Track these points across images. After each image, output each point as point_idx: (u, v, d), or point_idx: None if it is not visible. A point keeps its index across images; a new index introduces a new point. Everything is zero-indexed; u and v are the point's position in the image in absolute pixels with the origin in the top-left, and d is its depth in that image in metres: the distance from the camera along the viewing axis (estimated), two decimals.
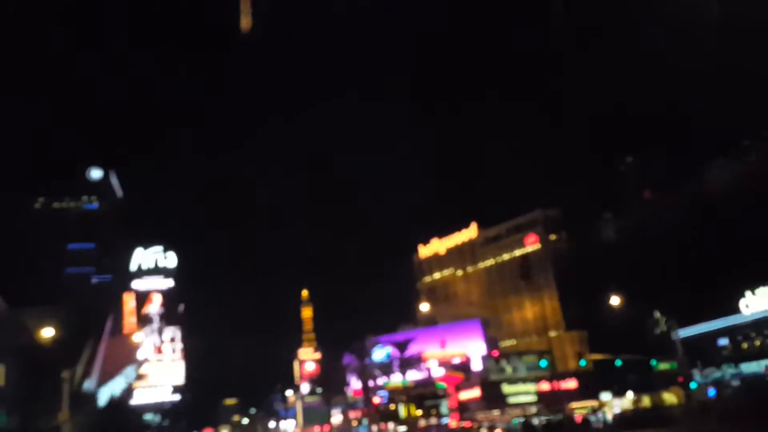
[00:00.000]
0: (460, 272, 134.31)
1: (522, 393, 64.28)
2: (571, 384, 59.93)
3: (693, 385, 35.41)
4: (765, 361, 36.66)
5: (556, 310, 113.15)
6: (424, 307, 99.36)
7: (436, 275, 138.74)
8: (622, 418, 40.34)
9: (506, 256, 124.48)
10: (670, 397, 44.53)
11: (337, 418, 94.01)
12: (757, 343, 40.78)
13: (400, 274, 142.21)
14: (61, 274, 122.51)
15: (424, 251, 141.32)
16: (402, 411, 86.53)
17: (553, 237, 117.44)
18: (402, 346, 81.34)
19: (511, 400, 64.03)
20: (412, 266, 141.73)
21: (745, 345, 42.82)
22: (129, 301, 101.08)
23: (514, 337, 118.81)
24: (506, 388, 64.38)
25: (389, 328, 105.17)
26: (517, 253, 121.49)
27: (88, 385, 43.35)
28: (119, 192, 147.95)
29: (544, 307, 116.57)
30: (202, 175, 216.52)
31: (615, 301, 37.71)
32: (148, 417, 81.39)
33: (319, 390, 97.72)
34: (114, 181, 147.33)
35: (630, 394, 47.22)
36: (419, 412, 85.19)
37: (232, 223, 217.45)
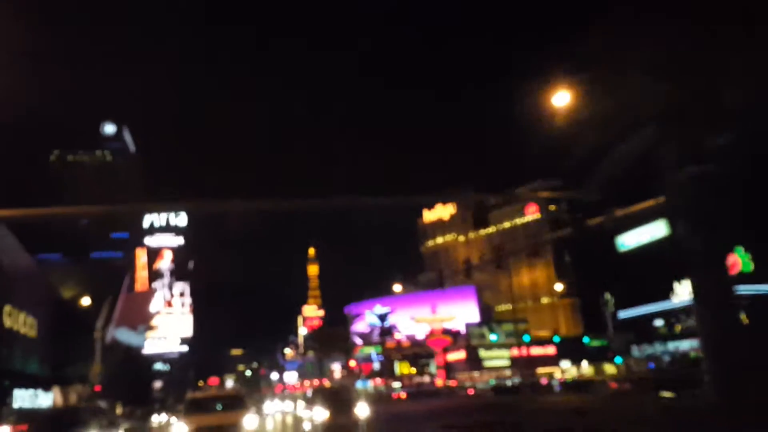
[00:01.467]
0: (462, 238, 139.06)
1: (497, 358, 70.28)
2: (549, 350, 65.38)
3: (618, 360, 40.08)
4: (693, 340, 41.41)
5: (551, 278, 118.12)
6: (424, 276, 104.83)
7: (439, 240, 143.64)
8: (564, 383, 46.99)
9: (507, 224, 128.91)
10: (610, 368, 49.83)
11: (336, 372, 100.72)
12: (686, 324, 45.59)
13: (405, 237, 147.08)
14: (81, 226, 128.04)
15: (429, 216, 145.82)
16: (397, 368, 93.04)
17: (552, 207, 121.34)
18: (382, 318, 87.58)
19: (487, 364, 69.98)
20: (416, 230, 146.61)
21: (678, 327, 47.75)
22: (141, 257, 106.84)
23: (510, 302, 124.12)
24: (482, 353, 70.31)
25: (390, 291, 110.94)
26: (518, 221, 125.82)
27: (108, 337, 48.91)
28: (132, 147, 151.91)
29: (540, 274, 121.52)
30: (214, 132, 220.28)
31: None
32: (158, 366, 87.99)
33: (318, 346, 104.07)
34: (127, 136, 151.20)
35: (585, 364, 52.50)
36: (413, 370, 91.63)
37: (242, 182, 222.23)
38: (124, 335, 54.25)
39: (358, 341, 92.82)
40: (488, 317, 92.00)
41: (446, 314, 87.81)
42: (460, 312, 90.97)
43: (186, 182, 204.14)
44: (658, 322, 48.08)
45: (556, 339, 62.00)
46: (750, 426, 12.87)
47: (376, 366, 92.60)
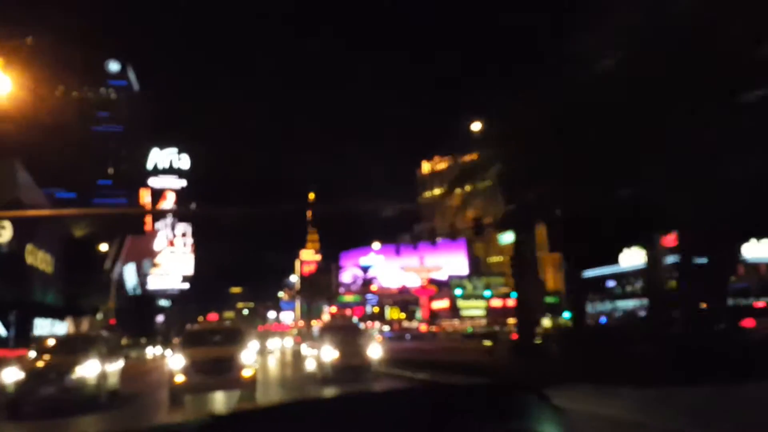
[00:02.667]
0: (458, 189, 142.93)
1: (474, 308, 75.97)
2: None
3: (567, 315, 44.57)
4: (640, 300, 46.41)
5: (542, 232, 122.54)
6: (419, 226, 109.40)
7: (437, 191, 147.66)
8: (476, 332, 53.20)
9: None
10: (565, 322, 54.81)
11: (326, 315, 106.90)
12: (636, 286, 50.67)
13: (404, 187, 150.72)
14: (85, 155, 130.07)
15: (427, 167, 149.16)
16: (388, 313, 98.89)
17: None
18: (365, 269, 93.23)
19: (465, 313, 75.67)
20: (415, 180, 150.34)
21: (628, 287, 52.75)
22: (145, 196, 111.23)
23: (500, 254, 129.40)
24: (460, 303, 75.92)
25: (391, 239, 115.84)
26: None
27: (116, 274, 53.60)
28: (136, 86, 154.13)
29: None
30: (218, 75, 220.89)
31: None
32: (161, 302, 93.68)
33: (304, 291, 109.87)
34: (131, 75, 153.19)
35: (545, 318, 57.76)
36: (403, 315, 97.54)
37: (245, 128, 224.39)
38: (131, 273, 58.99)
39: (342, 289, 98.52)
40: (477, 269, 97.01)
41: (433, 265, 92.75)
42: (450, 263, 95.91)
43: (189, 122, 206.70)
44: (611, 283, 53.00)
45: (513, 294, 66.90)
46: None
47: (369, 309, 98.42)
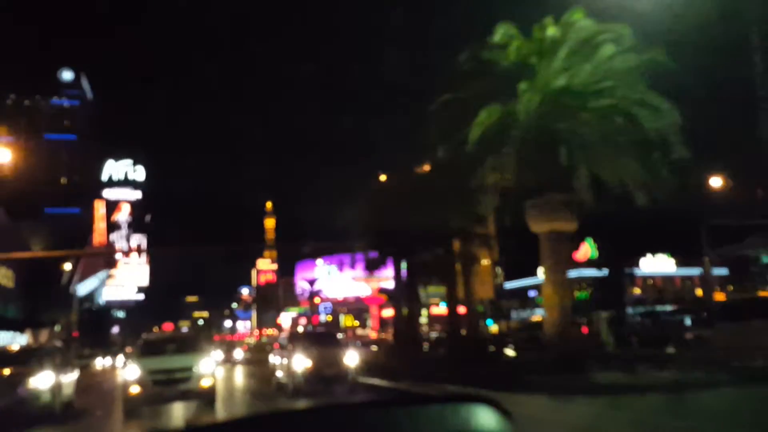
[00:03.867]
0: None
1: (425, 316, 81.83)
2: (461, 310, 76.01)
3: (489, 322, 49.32)
4: None
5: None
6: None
7: None
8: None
9: None
10: (494, 328, 60.39)
11: (286, 323, 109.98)
12: None
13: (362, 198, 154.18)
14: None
15: (383, 177, 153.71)
16: (342, 321, 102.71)
17: None
18: (311, 282, 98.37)
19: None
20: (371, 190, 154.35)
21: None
22: (99, 208, 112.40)
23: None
24: (405, 311, 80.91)
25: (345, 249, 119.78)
26: None
27: (74, 288, 56.12)
28: (90, 94, 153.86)
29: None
30: (174, 89, 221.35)
31: None
32: (116, 313, 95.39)
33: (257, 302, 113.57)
34: (85, 83, 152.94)
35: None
36: (357, 323, 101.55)
37: (201, 138, 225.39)
38: (87, 286, 61.44)
39: (300, 298, 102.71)
40: None
41: (383, 275, 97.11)
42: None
43: (144, 132, 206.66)
44: (532, 293, 58.30)
45: (443, 304, 72.59)
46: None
47: (323, 318, 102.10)
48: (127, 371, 16.01)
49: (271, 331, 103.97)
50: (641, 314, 36.16)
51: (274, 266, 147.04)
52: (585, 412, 11.07)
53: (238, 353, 41.07)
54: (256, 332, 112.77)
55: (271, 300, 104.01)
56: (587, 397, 12.26)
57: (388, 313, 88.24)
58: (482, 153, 16.43)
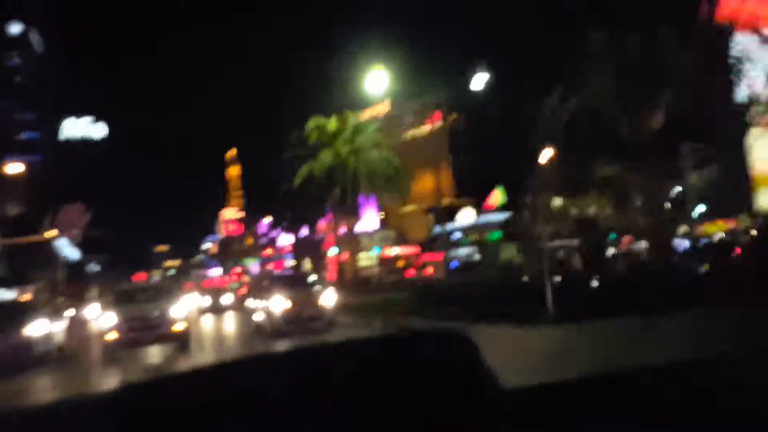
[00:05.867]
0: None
1: (366, 258, 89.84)
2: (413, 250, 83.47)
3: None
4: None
5: (450, 181, 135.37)
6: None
7: None
8: None
9: (414, 132, 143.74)
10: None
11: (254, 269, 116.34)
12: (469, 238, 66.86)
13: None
14: None
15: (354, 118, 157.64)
16: (305, 265, 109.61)
17: (453, 116, 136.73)
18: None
19: (362, 263, 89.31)
20: None
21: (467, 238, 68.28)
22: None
23: (414, 203, 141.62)
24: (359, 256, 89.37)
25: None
26: (423, 129, 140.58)
27: (55, 243, 60.87)
28: (40, 49, 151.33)
29: (441, 178, 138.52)
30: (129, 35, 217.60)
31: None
32: (92, 267, 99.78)
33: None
34: (34, 37, 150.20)
35: None
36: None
37: (159, 87, 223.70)
38: (66, 242, 66.21)
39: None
40: (385, 223, 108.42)
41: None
42: (364, 219, 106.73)
43: (100, 88, 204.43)
44: (458, 234, 67.18)
45: (376, 249, 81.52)
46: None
47: (287, 263, 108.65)
48: (103, 319, 17.50)
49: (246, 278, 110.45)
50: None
51: (241, 214, 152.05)
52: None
53: (227, 298, 40.92)
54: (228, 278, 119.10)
55: (237, 250, 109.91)
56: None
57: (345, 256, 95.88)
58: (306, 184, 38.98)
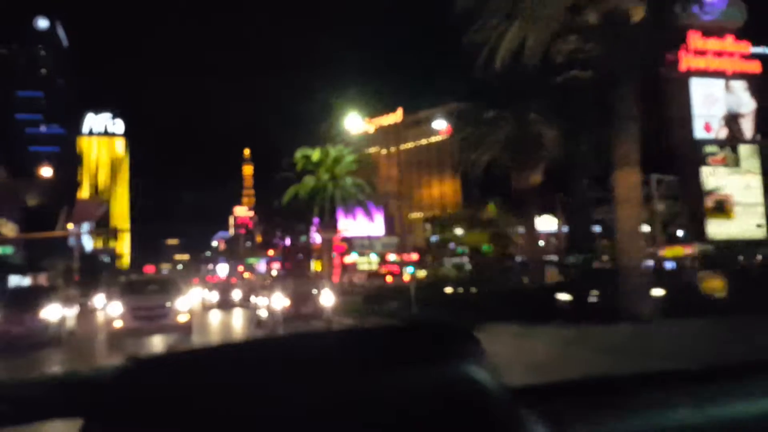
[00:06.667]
0: (384, 151, 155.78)
1: (367, 263, 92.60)
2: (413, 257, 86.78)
3: (410, 270, 60.38)
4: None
5: (457, 191, 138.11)
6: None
7: (365, 152, 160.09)
8: None
9: (423, 141, 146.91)
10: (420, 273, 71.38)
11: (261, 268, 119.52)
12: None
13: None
14: (10, 119, 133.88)
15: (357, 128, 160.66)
16: (313, 265, 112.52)
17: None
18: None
19: (360, 267, 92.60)
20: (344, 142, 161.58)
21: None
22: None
23: (420, 210, 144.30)
24: (358, 260, 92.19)
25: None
26: (433, 139, 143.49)
27: (71, 234, 64.24)
28: (65, 42, 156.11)
29: (446, 187, 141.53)
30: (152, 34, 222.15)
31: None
32: (104, 258, 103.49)
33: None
34: (60, 31, 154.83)
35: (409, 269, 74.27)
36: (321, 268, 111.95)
37: (179, 85, 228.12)
38: (82, 233, 69.62)
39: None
40: (392, 229, 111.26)
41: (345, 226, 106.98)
42: (369, 225, 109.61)
43: (121, 81, 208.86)
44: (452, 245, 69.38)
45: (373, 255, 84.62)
46: None
47: (287, 263, 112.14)
48: (111, 308, 18.08)
49: (247, 275, 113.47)
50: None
51: (251, 213, 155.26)
52: None
53: (236, 294, 41.19)
54: (234, 275, 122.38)
55: (244, 248, 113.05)
56: None
57: (350, 260, 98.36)
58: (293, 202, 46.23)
